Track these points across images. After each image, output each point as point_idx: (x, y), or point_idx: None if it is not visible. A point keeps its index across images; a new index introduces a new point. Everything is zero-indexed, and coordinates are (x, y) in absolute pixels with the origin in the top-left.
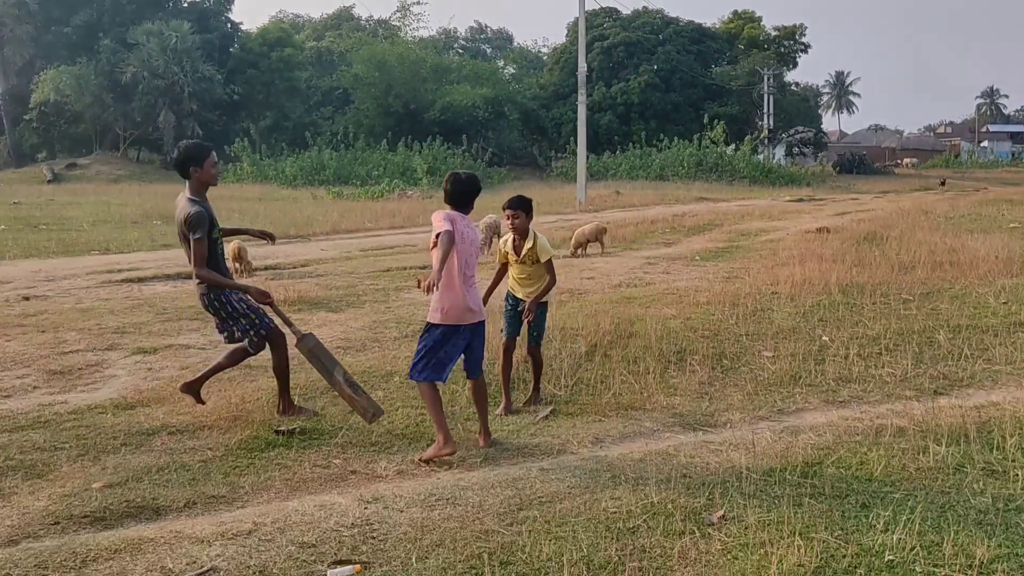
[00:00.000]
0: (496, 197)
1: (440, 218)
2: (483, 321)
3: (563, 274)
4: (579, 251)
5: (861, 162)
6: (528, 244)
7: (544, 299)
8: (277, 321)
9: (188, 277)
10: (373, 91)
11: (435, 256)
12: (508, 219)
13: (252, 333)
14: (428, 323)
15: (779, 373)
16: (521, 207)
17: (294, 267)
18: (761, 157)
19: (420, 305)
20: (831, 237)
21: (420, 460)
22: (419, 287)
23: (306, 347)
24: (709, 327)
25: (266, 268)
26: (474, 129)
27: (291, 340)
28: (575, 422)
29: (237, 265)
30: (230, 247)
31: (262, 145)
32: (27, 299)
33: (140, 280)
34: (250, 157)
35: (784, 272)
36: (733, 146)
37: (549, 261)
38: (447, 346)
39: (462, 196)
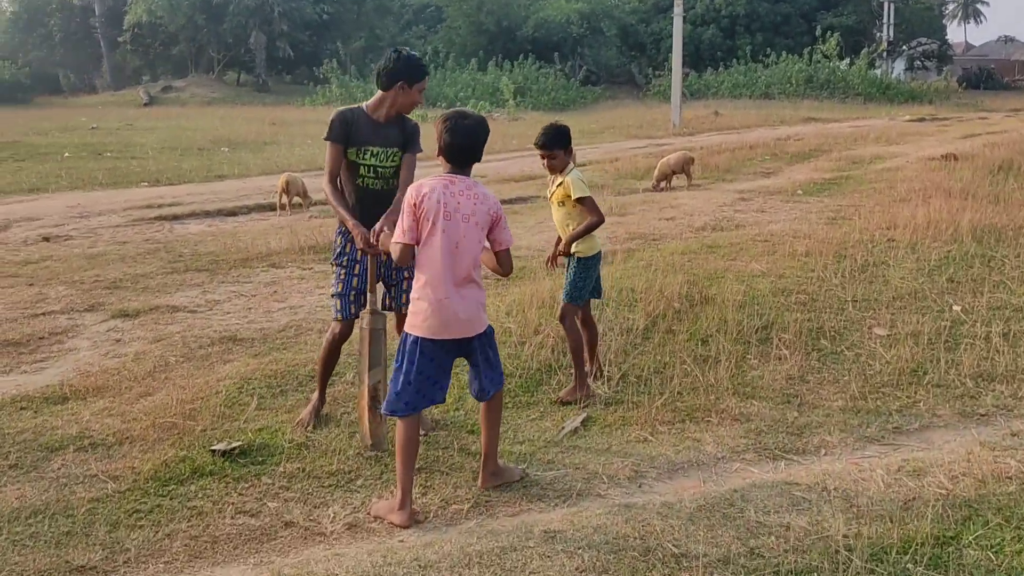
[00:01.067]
0: (585, 118)
1: (409, 197)
2: (485, 334)
3: (639, 214)
4: (662, 184)
5: (989, 77)
6: (558, 181)
7: (578, 247)
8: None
9: (228, 214)
10: (465, 7)
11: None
12: (542, 159)
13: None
14: (404, 332)
15: (895, 364)
16: (554, 143)
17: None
18: (879, 72)
19: None
20: (959, 165)
21: (368, 512)
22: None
23: (374, 326)
24: (806, 289)
25: (314, 204)
26: (569, 46)
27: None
28: (612, 439)
29: (285, 199)
30: (279, 179)
31: (352, 66)
32: (47, 240)
33: (175, 218)
34: (339, 79)
35: (903, 212)
36: (848, 60)
37: (589, 200)
38: (429, 366)
39: (461, 153)
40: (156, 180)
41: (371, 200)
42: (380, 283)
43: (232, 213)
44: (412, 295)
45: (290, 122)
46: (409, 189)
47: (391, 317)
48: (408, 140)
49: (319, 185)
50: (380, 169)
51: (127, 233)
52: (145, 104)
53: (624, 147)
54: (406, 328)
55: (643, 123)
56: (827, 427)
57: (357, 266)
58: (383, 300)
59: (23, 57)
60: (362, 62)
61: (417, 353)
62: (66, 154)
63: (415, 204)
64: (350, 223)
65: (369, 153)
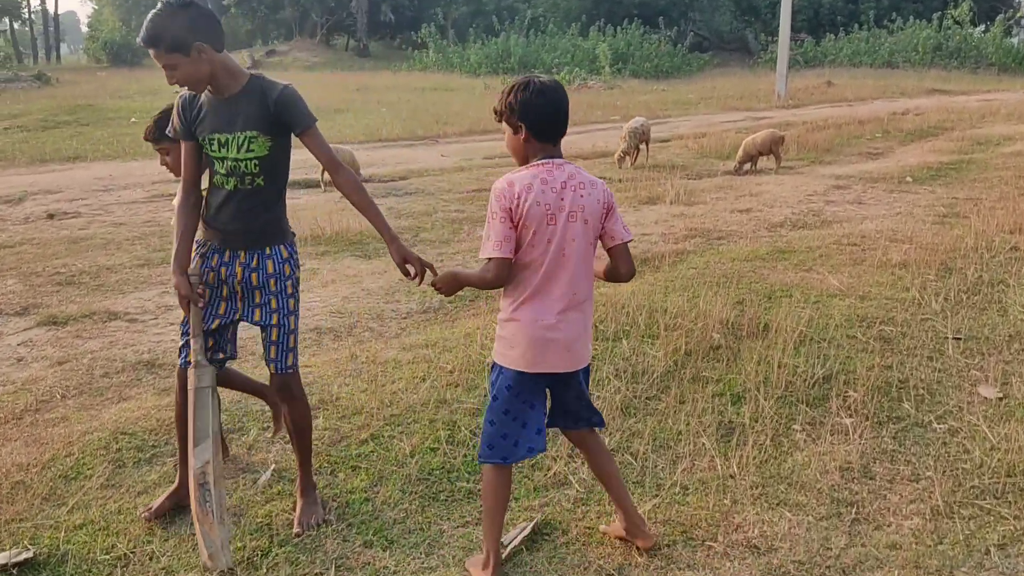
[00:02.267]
0: (684, 87)
1: (502, 199)
2: (587, 367)
3: (709, 203)
4: (746, 167)
5: None
6: None
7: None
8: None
9: None
10: None
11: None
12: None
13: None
14: (494, 363)
15: (1004, 456)
16: (499, 112)
17: (392, 179)
18: (1016, 41)
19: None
20: None
21: (465, 568)
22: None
23: (199, 384)
24: (893, 318)
25: (367, 181)
26: (678, 11)
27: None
28: (565, 568)
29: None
30: None
31: (451, 31)
32: (51, 217)
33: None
34: (437, 44)
35: None
36: (981, 27)
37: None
38: (519, 406)
39: (554, 125)
40: None
41: (222, 206)
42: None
43: None
44: (501, 316)
45: (375, 88)
46: (497, 186)
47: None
48: (281, 117)
49: (377, 158)
50: (233, 164)
51: (138, 211)
52: (249, 68)
53: (717, 120)
54: (495, 357)
55: (745, 93)
56: (888, 568)
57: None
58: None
59: (135, 20)
60: (464, 27)
61: (504, 389)
62: (132, 119)
63: (511, 208)
64: (172, 264)
65: (216, 143)
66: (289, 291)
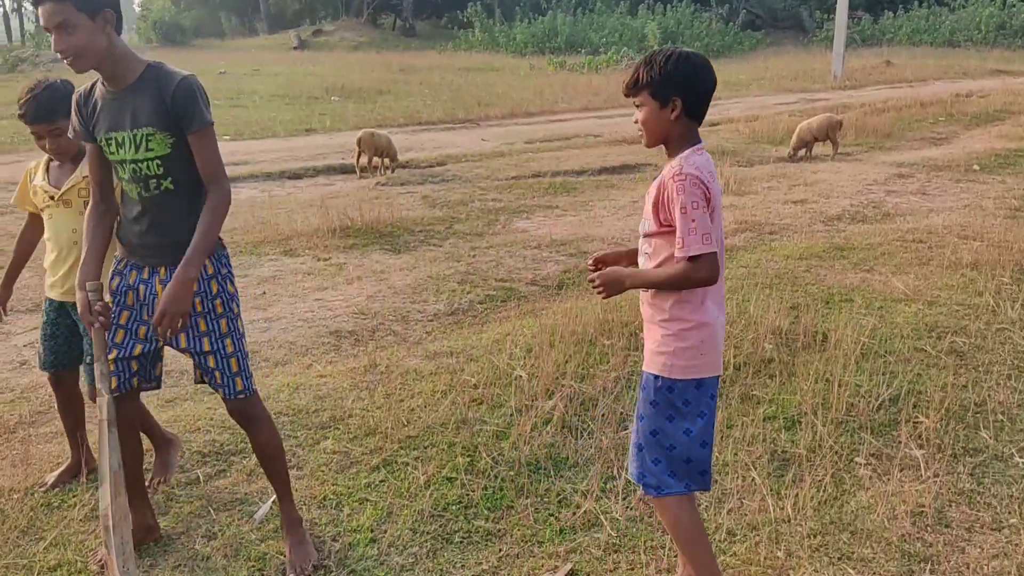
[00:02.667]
0: (736, 67)
1: (699, 186)
2: None
3: (761, 193)
4: (800, 153)
5: None
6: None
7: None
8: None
9: (292, 177)
10: None
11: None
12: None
13: None
14: (661, 381)
15: None
16: (644, 82)
17: (429, 165)
18: None
19: (519, 250)
20: None
21: None
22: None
23: (99, 413)
24: (966, 327)
25: (403, 167)
26: None
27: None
28: None
29: (364, 160)
30: (357, 136)
31: (497, 10)
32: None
33: (231, 180)
34: (482, 23)
35: None
36: None
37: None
38: (707, 420)
39: (707, 100)
40: (239, 133)
41: (134, 219)
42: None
43: (297, 176)
44: (682, 324)
45: (418, 69)
46: (690, 172)
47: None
48: (177, 112)
49: (416, 142)
50: (134, 167)
51: None
52: (295, 48)
53: (770, 102)
54: (674, 373)
55: (799, 74)
56: None
57: (141, 329)
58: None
59: (184, 0)
60: (511, 6)
61: (702, 403)
62: None
63: (707, 197)
64: (77, 278)
65: (113, 143)
66: (219, 311)
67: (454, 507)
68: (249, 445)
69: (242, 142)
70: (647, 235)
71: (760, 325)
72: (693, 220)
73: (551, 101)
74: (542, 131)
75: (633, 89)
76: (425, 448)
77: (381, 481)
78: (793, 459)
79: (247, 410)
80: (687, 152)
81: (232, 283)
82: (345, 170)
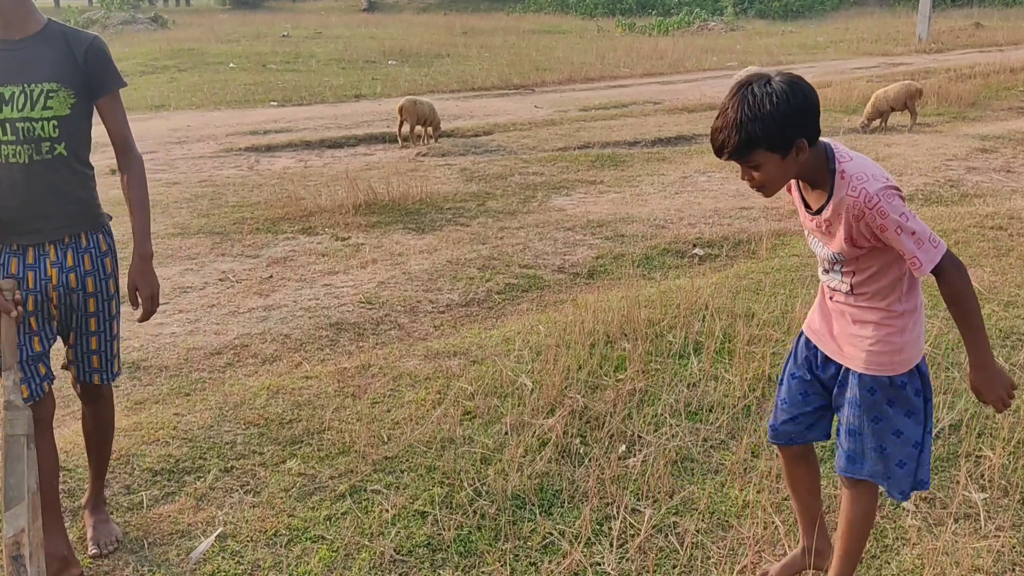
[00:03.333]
0: (814, 29)
1: (899, 192)
2: None
3: None
4: (875, 123)
5: None
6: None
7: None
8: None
9: (331, 146)
10: None
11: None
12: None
13: None
14: (892, 379)
15: None
16: (757, 138)
17: (475, 134)
18: None
19: (551, 231)
20: None
21: None
22: None
23: (11, 431)
24: None
25: (447, 135)
26: None
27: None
28: None
29: (405, 128)
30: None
31: None
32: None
33: (268, 149)
34: None
35: None
36: None
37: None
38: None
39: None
40: (287, 99)
41: (11, 189)
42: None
43: (336, 144)
44: (901, 319)
45: (481, 31)
46: (887, 186)
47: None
48: (91, 71)
49: (466, 109)
50: (25, 127)
51: (202, 167)
52: (364, 10)
53: (847, 67)
54: (903, 367)
55: (881, 36)
56: None
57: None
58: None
59: None
60: None
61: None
62: (231, 65)
63: (900, 192)
64: None
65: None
66: (111, 290)
67: (421, 549)
68: (204, 463)
69: (288, 108)
70: (841, 264)
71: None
72: (913, 232)
73: (612, 65)
74: (599, 98)
75: (741, 153)
76: (401, 473)
77: (344, 513)
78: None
79: (107, 391)
80: (845, 171)
81: (118, 262)
82: (387, 139)
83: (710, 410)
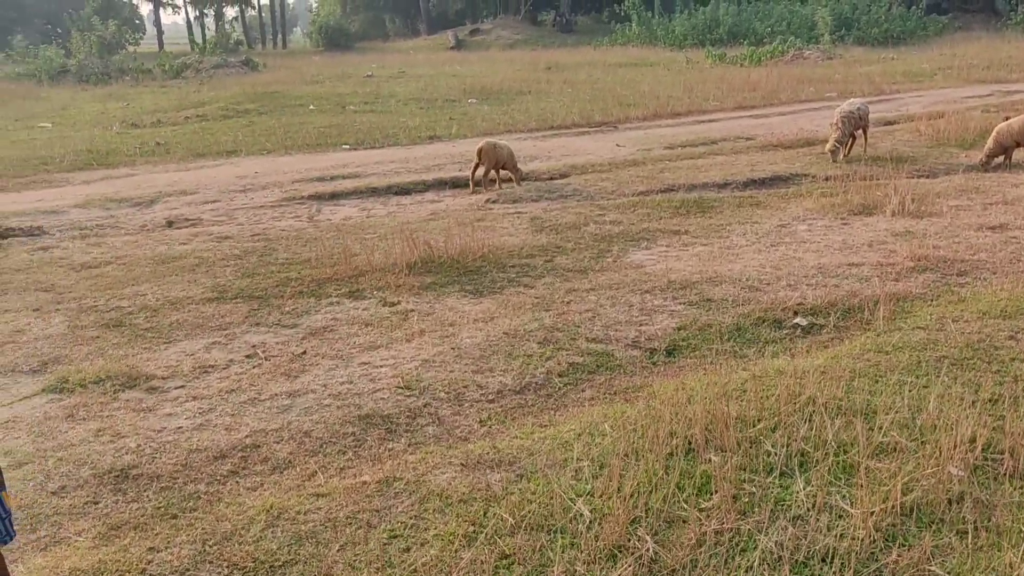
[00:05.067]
0: (918, 56)
1: None
2: None
3: (947, 214)
4: (997, 160)
5: None
6: None
7: None
8: None
9: (399, 192)
10: None
11: None
12: None
13: None
14: None
15: None
16: None
17: (550, 177)
18: None
19: (626, 294)
20: None
21: None
22: None
23: None
24: None
25: (529, 178)
26: None
27: None
28: None
29: (479, 171)
30: (477, 146)
31: (656, 2)
32: (170, 224)
33: (332, 196)
34: (639, 15)
35: None
36: None
37: None
38: None
39: None
40: (360, 141)
41: None
42: None
43: (404, 191)
44: None
45: (565, 66)
46: None
47: None
48: None
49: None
50: None
51: (261, 218)
52: (451, 47)
53: (958, 96)
54: None
55: (992, 62)
56: None
57: None
58: None
59: (351, 3)
60: None
61: None
62: (311, 107)
63: None
64: None
65: None
66: None
67: None
68: None
69: (360, 152)
70: None
71: (941, 435)
72: None
73: (701, 99)
74: (685, 134)
75: None
76: None
77: None
78: None
79: None
80: None
81: None
82: (457, 184)
83: (824, 560)
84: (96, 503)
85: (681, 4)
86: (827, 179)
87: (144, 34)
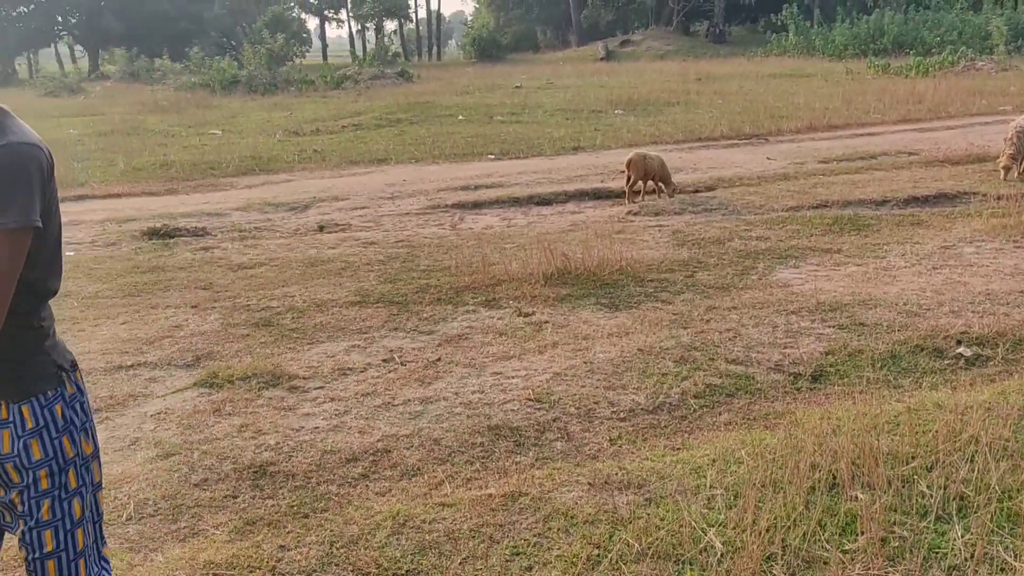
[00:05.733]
0: None
1: None
2: None
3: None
4: None
5: None
6: None
7: None
8: None
9: (540, 203)
10: None
11: None
12: None
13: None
14: None
15: None
16: None
17: (696, 190)
18: None
19: (770, 315)
20: None
21: None
22: None
23: None
24: None
25: (682, 192)
26: None
27: None
28: None
29: (636, 182)
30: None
31: (816, 10)
32: (321, 229)
33: (475, 205)
34: (798, 25)
35: None
36: None
37: None
38: None
39: None
40: (505, 151)
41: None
42: None
43: (545, 201)
44: None
45: (717, 77)
46: None
47: None
48: None
49: (690, 161)
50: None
51: (407, 224)
52: (601, 59)
53: None
54: None
55: None
56: None
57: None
58: None
59: (504, 16)
60: (831, 6)
61: None
62: (460, 117)
63: None
64: None
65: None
66: (43, 486)
67: None
68: None
69: (504, 161)
70: None
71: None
72: None
73: (861, 111)
74: (842, 148)
75: None
76: None
77: None
78: None
79: None
80: None
81: (71, 441)
82: (598, 195)
83: None
84: (235, 497)
85: (843, 13)
86: (999, 199)
87: (310, 47)
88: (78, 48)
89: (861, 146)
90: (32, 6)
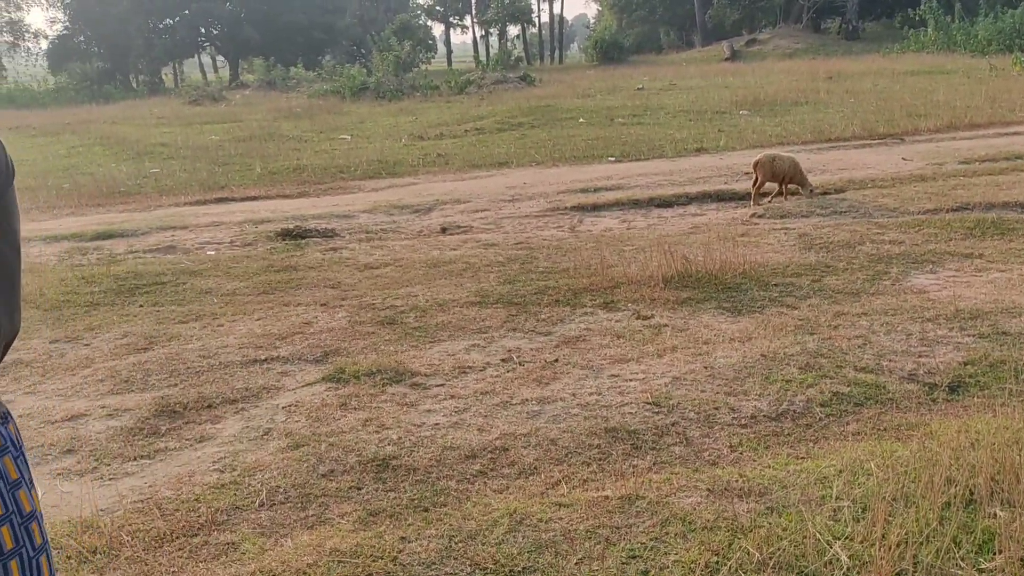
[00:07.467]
0: None
1: None
2: None
3: None
4: None
5: None
6: None
7: None
8: None
9: (661, 204)
10: None
11: None
12: None
13: None
14: None
15: None
16: None
17: (824, 191)
18: None
19: (903, 322)
20: None
21: None
22: None
23: None
24: None
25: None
26: None
27: None
28: None
29: (762, 184)
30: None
31: (957, 4)
32: (444, 231)
33: (595, 208)
34: (938, 20)
35: None
36: None
37: None
38: None
39: None
40: (626, 153)
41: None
42: None
43: (666, 203)
44: None
45: (849, 75)
46: None
47: None
48: None
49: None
50: None
51: (525, 227)
52: (726, 59)
53: None
54: None
55: None
56: None
57: None
58: None
59: (627, 17)
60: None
61: None
62: (581, 120)
63: None
64: None
65: None
66: None
67: None
68: None
69: (624, 164)
70: None
71: None
72: None
73: (1006, 110)
74: (985, 147)
75: None
76: None
77: None
78: None
79: None
80: None
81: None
82: (721, 197)
83: None
84: (359, 489)
85: (986, 7)
86: None
87: (436, 53)
88: (219, 58)
89: (1006, 146)
90: (177, 19)
